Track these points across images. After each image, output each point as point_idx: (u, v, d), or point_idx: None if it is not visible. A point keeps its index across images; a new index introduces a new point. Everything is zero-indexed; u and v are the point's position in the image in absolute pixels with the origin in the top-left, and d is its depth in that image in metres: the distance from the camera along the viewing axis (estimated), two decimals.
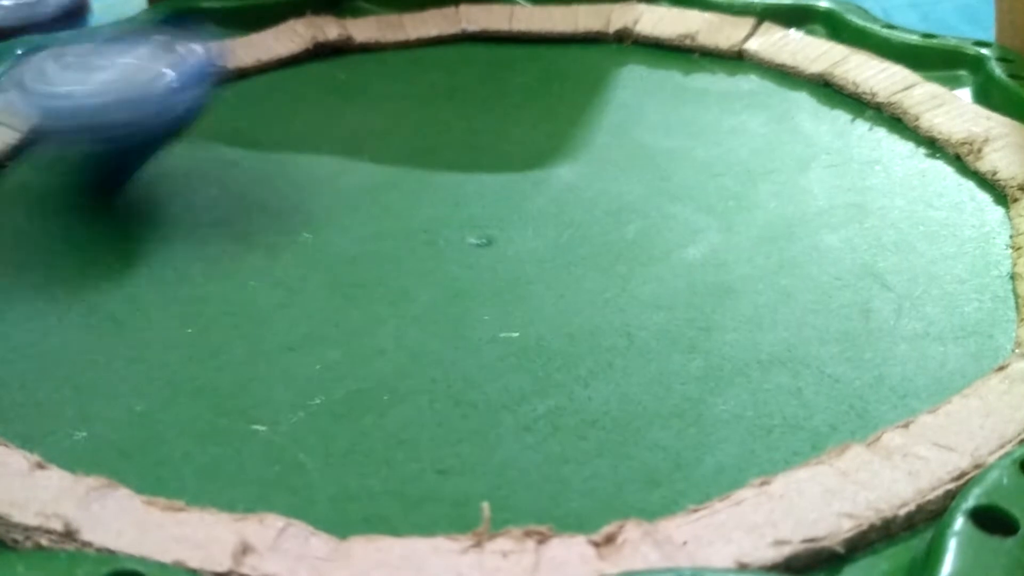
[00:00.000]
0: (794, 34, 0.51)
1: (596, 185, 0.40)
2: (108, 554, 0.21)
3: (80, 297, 0.33)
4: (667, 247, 0.35)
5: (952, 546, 0.20)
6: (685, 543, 0.22)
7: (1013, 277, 0.33)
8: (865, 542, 0.22)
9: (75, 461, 0.24)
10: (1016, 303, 0.31)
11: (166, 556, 0.21)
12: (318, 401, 0.28)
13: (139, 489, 0.23)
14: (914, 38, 0.47)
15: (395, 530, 0.23)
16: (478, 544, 0.22)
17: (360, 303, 0.33)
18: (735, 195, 0.39)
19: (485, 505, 0.22)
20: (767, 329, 0.31)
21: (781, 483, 0.23)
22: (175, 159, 0.41)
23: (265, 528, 0.22)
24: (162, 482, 0.25)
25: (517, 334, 0.31)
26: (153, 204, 0.38)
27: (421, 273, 0.34)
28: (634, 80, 0.50)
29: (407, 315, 0.32)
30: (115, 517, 0.22)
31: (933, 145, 0.41)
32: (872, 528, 0.22)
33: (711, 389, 0.28)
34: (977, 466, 0.24)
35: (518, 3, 0.55)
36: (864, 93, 0.45)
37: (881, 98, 0.44)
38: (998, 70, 0.43)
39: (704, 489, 0.24)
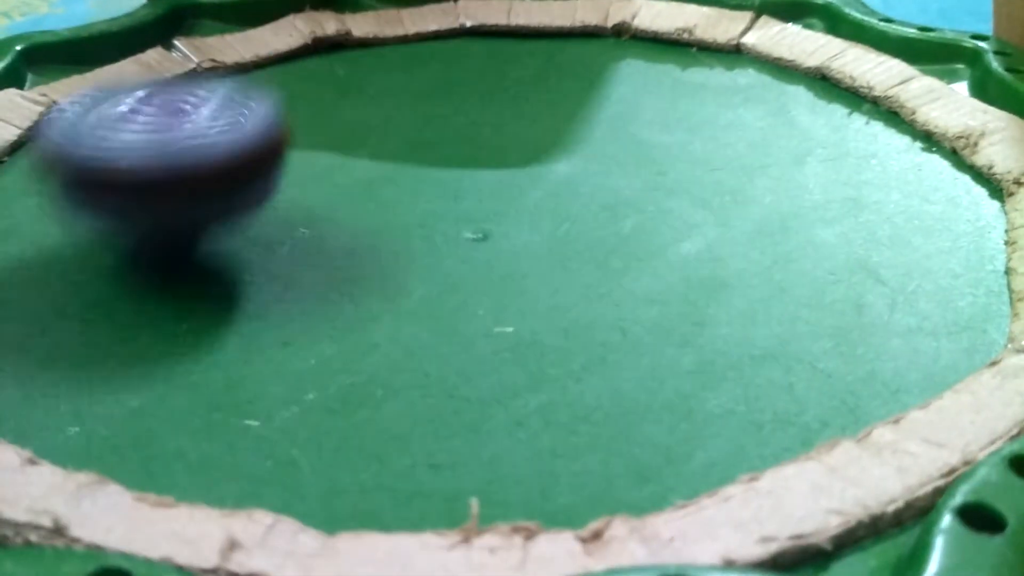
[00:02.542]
0: (792, 28, 0.51)
1: (593, 180, 0.40)
2: (96, 550, 0.21)
3: (77, 293, 0.33)
4: (663, 242, 0.35)
5: (939, 544, 0.20)
6: (672, 539, 0.22)
7: (1007, 272, 0.33)
8: (853, 539, 0.22)
9: (68, 457, 0.24)
10: (1010, 298, 0.31)
11: (154, 552, 0.21)
12: (311, 396, 0.28)
13: (131, 485, 0.23)
14: (911, 32, 0.47)
15: (385, 526, 0.23)
16: (466, 540, 0.22)
17: (355, 298, 0.33)
18: (731, 190, 0.39)
19: (474, 501, 0.22)
20: (760, 324, 0.31)
21: (769, 479, 0.23)
22: None
23: (254, 524, 0.22)
24: (154, 478, 0.25)
25: (511, 329, 0.31)
26: None
27: (417, 268, 0.34)
28: (632, 74, 0.50)
29: (402, 310, 0.32)
30: (105, 513, 0.22)
31: (929, 139, 0.41)
32: (860, 525, 0.22)
33: (703, 384, 0.28)
34: (967, 463, 0.24)
35: None
36: (861, 87, 0.45)
37: (878, 92, 0.44)
38: (995, 63, 0.43)
39: (694, 485, 0.24)
